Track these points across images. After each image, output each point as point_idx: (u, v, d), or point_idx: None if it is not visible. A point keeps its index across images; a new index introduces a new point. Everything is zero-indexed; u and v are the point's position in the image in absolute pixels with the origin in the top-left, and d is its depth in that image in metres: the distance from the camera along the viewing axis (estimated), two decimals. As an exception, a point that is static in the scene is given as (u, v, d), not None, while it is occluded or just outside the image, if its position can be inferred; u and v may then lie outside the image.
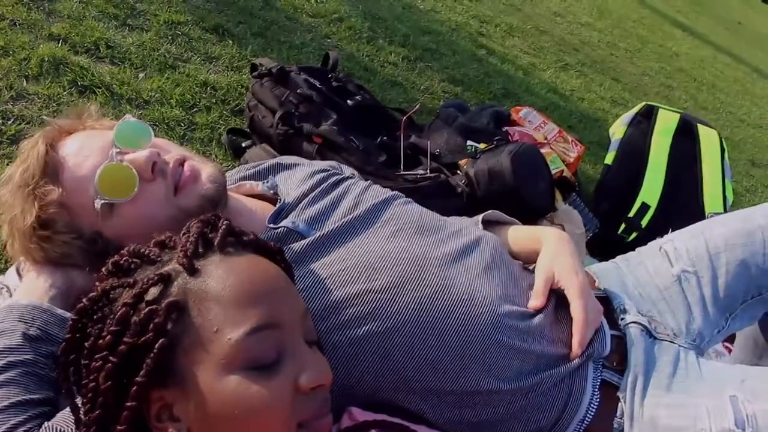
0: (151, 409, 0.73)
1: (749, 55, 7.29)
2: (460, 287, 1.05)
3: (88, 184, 0.98)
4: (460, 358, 1.01)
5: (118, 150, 1.00)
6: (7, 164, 1.44)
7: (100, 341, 0.72)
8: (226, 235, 0.80)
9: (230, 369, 0.71)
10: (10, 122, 1.56)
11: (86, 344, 0.74)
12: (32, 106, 1.64)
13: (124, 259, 0.79)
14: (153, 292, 0.74)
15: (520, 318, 1.07)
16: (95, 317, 0.75)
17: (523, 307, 1.09)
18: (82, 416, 0.73)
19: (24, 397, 0.82)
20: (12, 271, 1.10)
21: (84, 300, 0.76)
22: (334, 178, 1.19)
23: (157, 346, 0.71)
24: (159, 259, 0.78)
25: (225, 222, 0.81)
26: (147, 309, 0.72)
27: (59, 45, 1.90)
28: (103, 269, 0.79)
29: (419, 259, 1.06)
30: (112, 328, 0.72)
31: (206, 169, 1.04)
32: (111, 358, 0.71)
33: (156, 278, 0.74)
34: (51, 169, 0.99)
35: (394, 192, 1.22)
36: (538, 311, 1.11)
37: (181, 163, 1.03)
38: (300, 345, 0.76)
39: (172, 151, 1.05)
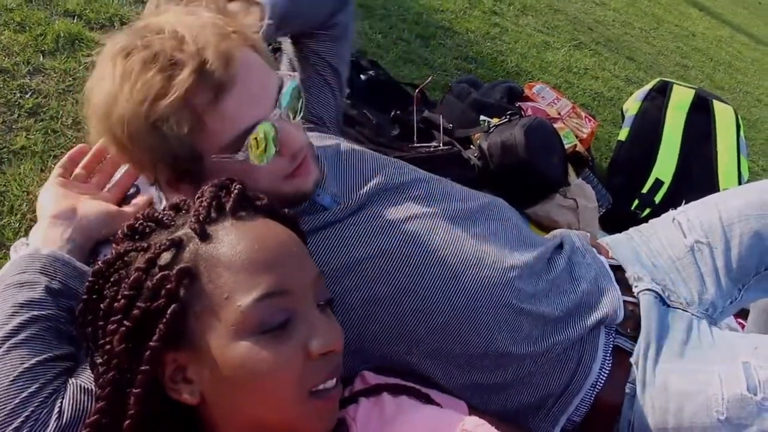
0: (166, 370, 0.74)
1: (768, 35, 7.17)
2: (468, 250, 1.06)
3: (240, 126, 0.91)
4: (469, 320, 1.03)
5: (280, 114, 0.93)
6: (26, 137, 1.47)
7: (115, 304, 0.73)
8: (239, 200, 0.79)
9: (240, 335, 0.71)
10: (27, 96, 1.57)
11: (102, 306, 0.75)
12: (49, 80, 1.66)
13: (139, 223, 0.79)
14: (165, 257, 0.74)
15: (529, 280, 1.08)
16: (111, 280, 0.76)
17: (533, 270, 1.10)
18: (98, 377, 0.74)
19: (49, 354, 0.82)
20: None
21: (100, 263, 0.77)
22: (344, 147, 1.20)
23: (169, 311, 0.71)
24: (173, 223, 0.78)
25: (238, 186, 0.81)
26: (159, 274, 0.72)
27: (74, 21, 1.91)
28: (119, 232, 0.80)
29: (428, 223, 1.07)
30: (126, 293, 0.73)
31: (315, 173, 1.02)
32: (125, 322, 0.72)
33: (168, 243, 0.74)
34: (219, 81, 0.87)
35: (398, 160, 1.21)
36: (548, 274, 1.12)
37: (305, 154, 1.00)
38: (311, 310, 0.76)
39: (301, 136, 1.00)
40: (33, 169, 1.39)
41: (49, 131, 1.51)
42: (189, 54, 0.85)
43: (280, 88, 0.95)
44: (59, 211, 1.00)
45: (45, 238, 0.96)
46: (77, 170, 1.13)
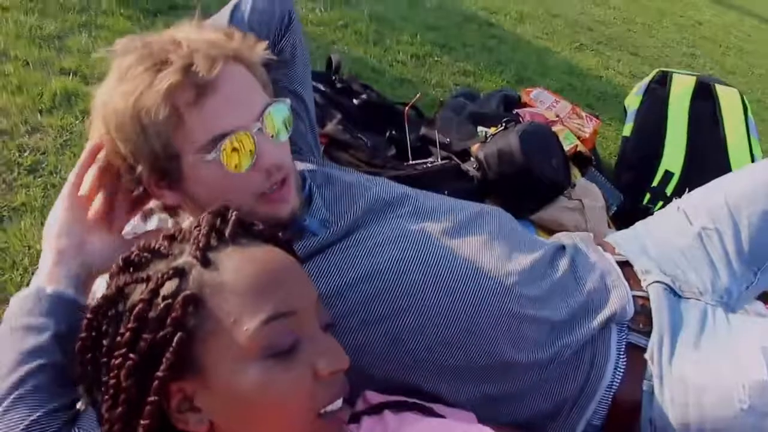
0: (171, 401, 0.73)
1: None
2: (463, 261, 1.03)
3: (217, 129, 0.93)
4: (470, 333, 1.00)
5: (260, 128, 0.96)
6: (25, 193, 1.49)
7: (119, 338, 0.72)
8: (237, 226, 0.79)
9: (249, 359, 0.71)
10: (26, 154, 1.61)
11: (104, 342, 0.74)
12: (47, 137, 1.70)
13: (134, 254, 0.78)
14: (169, 286, 0.73)
15: (530, 285, 1.06)
16: (110, 314, 0.75)
17: (534, 275, 1.08)
18: (104, 413, 0.73)
19: (55, 404, 0.82)
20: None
21: (99, 298, 0.76)
22: (330, 171, 1.19)
23: (175, 340, 0.70)
24: (170, 253, 0.77)
25: (234, 213, 0.81)
26: (163, 304, 0.71)
27: (70, 78, 1.96)
28: (114, 265, 0.79)
29: (420, 239, 1.05)
30: (130, 325, 0.71)
31: (294, 203, 1.02)
32: (131, 355, 0.71)
33: (171, 272, 0.73)
34: (202, 82, 0.91)
35: (384, 179, 1.20)
36: (550, 277, 1.09)
37: (285, 178, 1.01)
38: (316, 331, 0.75)
39: (282, 156, 1.02)
40: (33, 224, 1.42)
41: (48, 186, 1.54)
42: (179, 55, 0.91)
43: (267, 107, 0.98)
44: (64, 247, 0.96)
45: (49, 276, 0.94)
46: (85, 185, 1.04)
